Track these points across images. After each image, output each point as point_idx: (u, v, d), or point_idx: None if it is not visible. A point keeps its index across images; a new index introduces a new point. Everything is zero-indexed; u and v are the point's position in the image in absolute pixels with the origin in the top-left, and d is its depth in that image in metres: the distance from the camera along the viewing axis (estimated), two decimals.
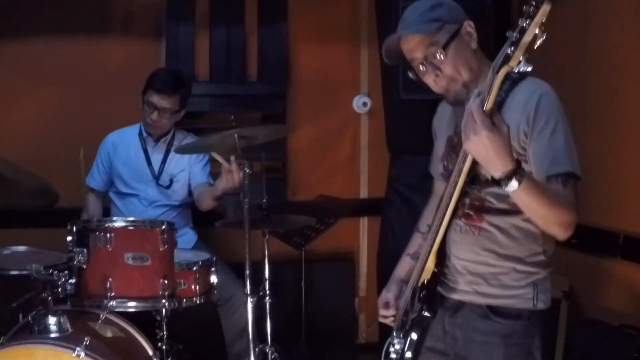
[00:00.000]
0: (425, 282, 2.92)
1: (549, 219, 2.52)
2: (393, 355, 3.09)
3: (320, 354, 5.59)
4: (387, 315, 3.18)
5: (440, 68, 2.74)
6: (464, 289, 2.90)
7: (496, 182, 2.40)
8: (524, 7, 2.20)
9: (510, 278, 2.81)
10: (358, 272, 6.20)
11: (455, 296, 2.93)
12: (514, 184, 2.36)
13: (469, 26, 2.77)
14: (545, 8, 2.16)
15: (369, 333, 6.15)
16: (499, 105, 2.60)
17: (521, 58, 2.26)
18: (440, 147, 3.04)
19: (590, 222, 4.54)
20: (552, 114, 2.60)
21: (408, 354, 3.01)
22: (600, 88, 4.64)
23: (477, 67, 2.77)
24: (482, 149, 2.34)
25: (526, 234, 2.78)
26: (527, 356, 2.83)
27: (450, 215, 2.72)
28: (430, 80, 2.80)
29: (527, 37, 2.21)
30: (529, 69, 2.29)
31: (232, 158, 4.15)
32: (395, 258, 3.34)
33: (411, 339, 3.00)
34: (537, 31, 2.20)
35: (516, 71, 2.30)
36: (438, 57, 2.72)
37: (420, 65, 2.78)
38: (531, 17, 2.19)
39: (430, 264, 2.88)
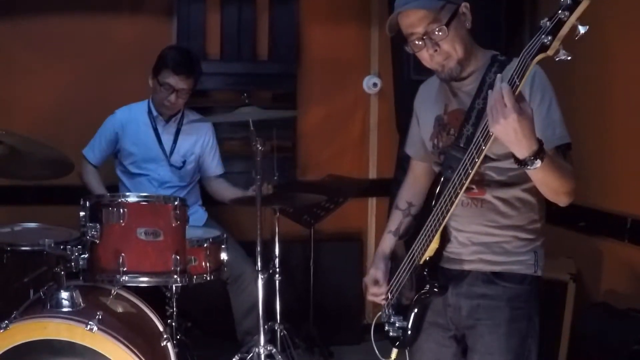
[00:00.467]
0: (428, 259, 2.99)
1: (559, 190, 2.65)
2: (394, 334, 3.15)
3: (328, 333, 5.62)
4: (377, 293, 3.24)
5: (439, 44, 2.82)
6: (468, 259, 2.99)
7: (519, 162, 2.47)
8: None
9: (512, 246, 2.95)
10: (366, 252, 6.21)
11: (458, 267, 3.01)
12: (537, 163, 2.44)
13: (465, 7, 2.86)
14: (585, 4, 2.19)
15: (375, 313, 6.14)
16: (491, 85, 2.60)
17: (559, 47, 2.27)
18: (426, 126, 3.12)
19: (598, 205, 4.54)
20: (546, 90, 2.77)
21: (411, 332, 3.08)
22: (613, 74, 4.64)
23: (470, 46, 2.89)
24: (511, 131, 2.38)
25: (525, 203, 2.92)
26: (529, 320, 2.97)
27: (462, 192, 2.76)
28: (425, 55, 2.87)
29: (564, 30, 2.24)
30: (569, 57, 2.26)
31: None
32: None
33: (414, 317, 3.06)
34: (575, 22, 2.23)
35: (557, 59, 2.28)
36: (439, 34, 2.79)
37: (418, 40, 2.84)
38: (570, 9, 2.21)
39: (435, 244, 2.95)
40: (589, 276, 4.72)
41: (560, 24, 2.23)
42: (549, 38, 2.26)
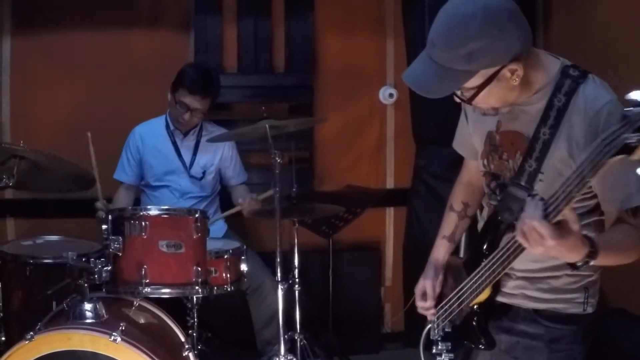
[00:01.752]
0: (478, 307, 2.78)
1: (621, 262, 2.38)
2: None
3: (347, 342, 5.63)
4: (424, 307, 3.04)
5: (470, 101, 2.51)
6: (511, 292, 2.76)
7: (572, 266, 2.27)
8: None
9: (561, 282, 2.66)
10: (384, 262, 6.22)
11: (501, 299, 2.78)
12: (590, 262, 2.23)
13: (515, 66, 2.39)
14: None
15: (394, 322, 6.18)
16: (561, 111, 2.43)
17: None
18: (477, 137, 2.83)
19: None
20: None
21: None
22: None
23: (515, 95, 2.52)
24: (555, 253, 2.19)
25: None
26: None
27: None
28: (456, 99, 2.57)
29: None
30: None
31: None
32: (421, 248, 3.26)
33: (462, 356, 2.91)
34: None
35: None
36: (464, 98, 2.50)
37: None
38: None
39: (486, 294, 2.72)
40: (605, 282, 4.71)
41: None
42: (637, 138, 1.88)
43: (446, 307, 2.96)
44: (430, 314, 3.04)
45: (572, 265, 2.26)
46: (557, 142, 2.45)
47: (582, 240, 2.19)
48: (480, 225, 2.92)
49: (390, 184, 6.27)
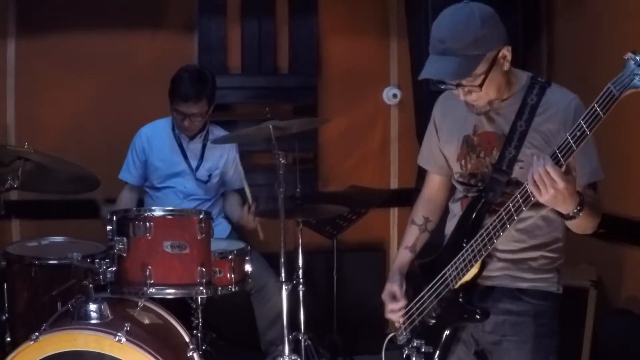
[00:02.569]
0: (463, 284, 2.97)
1: (587, 228, 2.82)
2: (416, 359, 3.11)
3: (352, 342, 5.64)
4: (395, 309, 3.25)
5: (474, 93, 2.83)
6: (495, 275, 2.98)
7: (564, 216, 2.68)
8: None
9: (538, 263, 2.97)
10: (388, 262, 6.20)
11: (486, 282, 2.99)
12: (580, 214, 2.64)
13: (507, 51, 2.82)
14: None
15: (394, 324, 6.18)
16: (534, 107, 2.85)
17: None
18: (451, 144, 3.11)
19: (618, 212, 4.53)
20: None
21: (438, 357, 3.05)
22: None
23: (504, 84, 2.89)
24: (561, 197, 2.55)
25: (550, 223, 2.95)
26: (552, 336, 3.00)
27: (512, 225, 2.80)
28: (460, 95, 2.87)
29: None
30: None
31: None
32: (425, 249, 3.34)
33: (444, 341, 3.03)
34: None
35: None
36: (472, 89, 2.81)
37: (451, 86, 2.86)
38: None
39: (475, 269, 2.93)
40: (610, 283, 4.73)
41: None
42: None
43: (414, 307, 3.16)
44: (399, 317, 3.26)
45: (564, 216, 2.67)
46: (532, 132, 2.85)
47: (576, 191, 2.61)
48: (454, 221, 3.14)
49: (394, 184, 6.28)
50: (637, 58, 2.36)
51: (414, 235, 3.35)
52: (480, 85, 2.77)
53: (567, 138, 2.51)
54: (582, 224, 2.75)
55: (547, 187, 2.51)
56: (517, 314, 2.96)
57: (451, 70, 2.75)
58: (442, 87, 2.89)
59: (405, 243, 3.36)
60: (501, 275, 2.98)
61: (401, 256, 3.35)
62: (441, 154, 3.19)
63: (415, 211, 3.40)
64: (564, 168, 2.55)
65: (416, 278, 3.22)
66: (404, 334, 3.22)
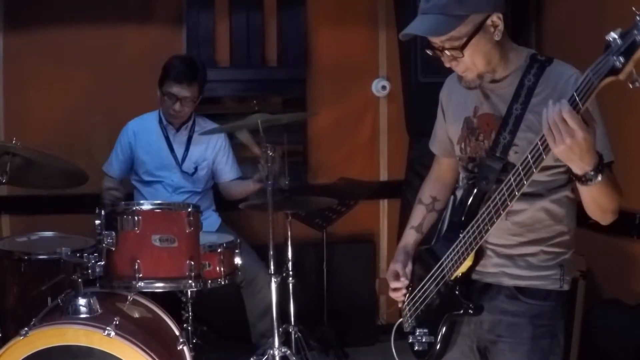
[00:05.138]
0: (461, 275, 2.84)
1: (608, 208, 2.52)
2: (419, 348, 3.00)
3: (342, 334, 5.65)
4: (398, 287, 3.12)
5: (457, 59, 2.66)
6: (492, 271, 2.83)
7: (579, 178, 2.35)
8: (637, 17, 2.01)
9: (538, 259, 2.77)
10: (378, 254, 6.24)
11: (482, 279, 2.85)
12: (598, 177, 2.32)
13: (497, 17, 2.63)
14: None
15: (389, 314, 6.19)
16: (531, 89, 2.63)
17: (633, 72, 2.04)
18: (454, 126, 2.95)
19: None
20: (592, 104, 2.46)
21: (439, 347, 2.93)
22: None
23: (497, 58, 2.70)
24: (577, 150, 2.24)
25: (553, 216, 2.74)
26: (553, 337, 2.82)
27: (505, 213, 2.60)
28: (446, 62, 2.72)
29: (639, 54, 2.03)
30: None
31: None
32: (430, 232, 3.25)
33: (444, 332, 2.91)
34: None
35: (631, 87, 2.04)
36: (455, 53, 2.64)
37: (436, 51, 2.69)
38: None
39: (469, 261, 2.79)
40: (599, 273, 4.74)
41: (635, 45, 2.02)
42: (621, 60, 2.05)
43: (418, 295, 3.03)
44: (401, 295, 3.13)
45: (580, 178, 2.34)
46: (528, 115, 2.64)
47: (595, 148, 2.28)
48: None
49: (383, 176, 6.28)
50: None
51: (420, 215, 3.21)
52: (462, 48, 2.60)
53: (588, 74, 2.16)
54: (599, 197, 2.45)
55: (566, 134, 2.21)
56: (513, 315, 2.79)
57: (428, 26, 2.62)
58: (429, 52, 2.73)
59: (411, 223, 3.23)
60: (498, 272, 2.82)
61: (406, 236, 3.22)
62: (447, 136, 3.03)
63: (422, 191, 3.26)
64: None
65: (422, 262, 3.09)
66: (409, 321, 3.10)
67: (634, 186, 4.50)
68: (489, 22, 2.62)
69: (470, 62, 2.67)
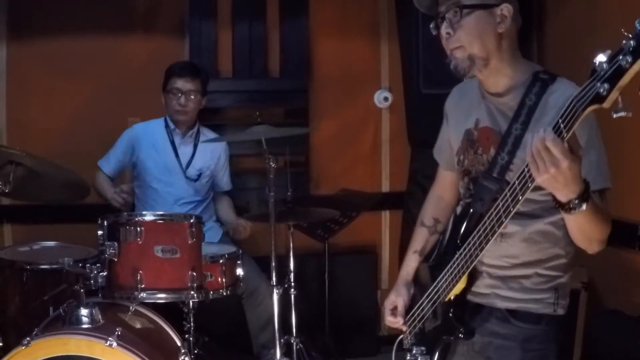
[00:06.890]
0: (454, 298, 2.80)
1: (592, 236, 2.47)
2: None
3: (344, 345, 5.65)
4: (393, 322, 3.08)
5: (454, 28, 2.62)
6: (484, 292, 2.80)
7: (563, 205, 2.28)
8: (624, 41, 1.94)
9: (532, 282, 2.72)
10: (380, 266, 6.24)
11: (474, 299, 2.82)
12: (583, 206, 2.25)
13: (506, 10, 2.61)
14: None
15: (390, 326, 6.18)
16: (532, 109, 2.56)
17: (618, 100, 1.99)
18: (456, 136, 2.91)
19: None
20: (592, 128, 2.51)
21: None
22: None
23: (493, 50, 2.63)
24: (561, 179, 2.18)
25: (548, 238, 2.69)
26: None
27: (495, 236, 2.56)
28: (443, 34, 2.67)
29: (626, 79, 1.97)
30: (630, 114, 1.95)
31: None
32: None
33: (439, 354, 2.87)
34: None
35: (614, 116, 1.98)
36: (454, 17, 2.61)
37: (439, 19, 2.67)
38: (634, 54, 1.94)
39: (462, 284, 2.76)
40: (601, 284, 4.74)
41: (620, 71, 1.96)
42: (605, 87, 1.99)
43: (417, 312, 3.00)
44: (398, 327, 3.09)
45: (563, 205, 2.28)
46: (528, 136, 2.52)
47: (580, 176, 2.22)
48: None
49: (385, 187, 6.29)
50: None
51: (423, 238, 3.14)
52: (463, 8, 2.58)
53: (573, 101, 2.11)
54: (585, 226, 2.40)
55: (549, 163, 2.14)
56: (504, 338, 2.74)
57: None
58: (432, 29, 2.72)
59: (413, 247, 3.14)
60: (490, 293, 2.77)
61: (409, 261, 3.14)
62: (450, 146, 2.99)
63: (424, 212, 3.20)
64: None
65: (422, 279, 3.05)
66: (409, 338, 3.05)
67: (635, 198, 4.51)
68: (497, 10, 2.60)
69: (466, 38, 2.62)
